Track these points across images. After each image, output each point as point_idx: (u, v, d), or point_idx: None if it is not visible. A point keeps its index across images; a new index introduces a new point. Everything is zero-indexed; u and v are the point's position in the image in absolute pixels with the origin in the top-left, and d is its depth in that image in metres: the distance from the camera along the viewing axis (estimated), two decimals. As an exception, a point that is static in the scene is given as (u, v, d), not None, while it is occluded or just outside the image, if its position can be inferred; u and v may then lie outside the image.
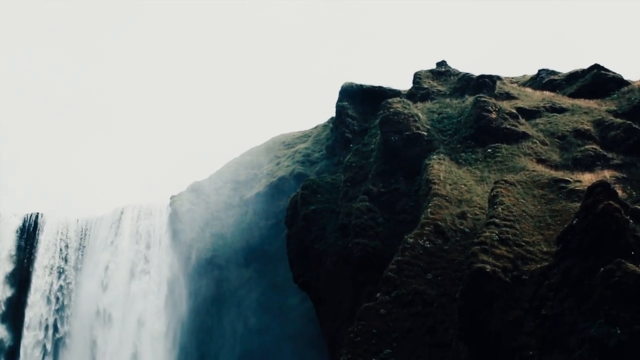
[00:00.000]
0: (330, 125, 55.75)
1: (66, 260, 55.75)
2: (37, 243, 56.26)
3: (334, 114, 54.37)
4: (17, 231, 56.79)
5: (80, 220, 58.08)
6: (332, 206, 41.89)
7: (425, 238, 30.64)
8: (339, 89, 53.03)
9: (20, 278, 55.12)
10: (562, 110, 42.22)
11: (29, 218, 57.66)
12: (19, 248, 56.12)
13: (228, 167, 59.23)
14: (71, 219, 58.09)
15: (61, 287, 54.89)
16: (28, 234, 56.77)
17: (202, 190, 57.25)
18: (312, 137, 59.00)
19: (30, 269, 55.18)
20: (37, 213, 57.98)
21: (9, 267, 55.11)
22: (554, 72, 52.28)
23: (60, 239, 56.41)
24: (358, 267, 35.86)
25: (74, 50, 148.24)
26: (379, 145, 41.59)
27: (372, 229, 36.72)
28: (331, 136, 53.86)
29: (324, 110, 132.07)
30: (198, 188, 57.88)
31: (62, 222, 57.52)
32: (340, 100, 52.59)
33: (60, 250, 56.05)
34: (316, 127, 61.15)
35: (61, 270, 55.46)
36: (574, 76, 49.32)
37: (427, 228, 31.21)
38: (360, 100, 51.72)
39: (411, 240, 30.67)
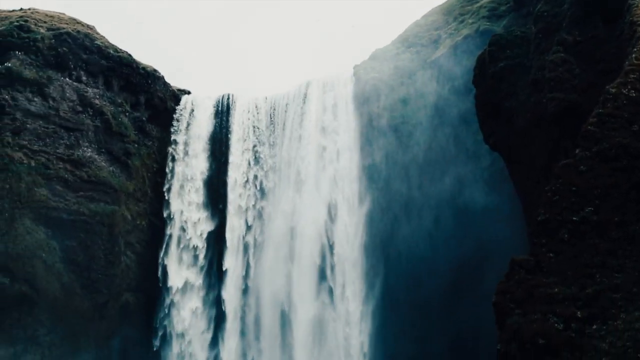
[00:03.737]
0: (518, -27, 51.47)
1: (258, 138, 57.99)
2: (230, 123, 58.85)
3: (520, -39, 50.07)
4: (212, 113, 59.71)
5: (268, 98, 59.49)
6: (522, 61, 39.18)
7: (629, 87, 27.80)
8: None
9: (219, 157, 58.52)
10: None
11: (221, 99, 60.15)
12: (215, 128, 59.16)
13: (409, 30, 57.18)
14: (260, 98, 59.67)
15: (256, 160, 57.51)
16: (222, 115, 59.45)
17: (384, 57, 56.02)
18: (498, -12, 55.05)
19: (227, 148, 58.24)
20: (229, 94, 60.17)
21: (207, 147, 58.56)
22: None
23: (252, 117, 58.52)
24: (553, 123, 33.64)
25: None
26: (573, -12, 37.77)
27: (568, 82, 33.96)
28: (519, -14, 49.87)
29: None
30: (380, 55, 56.69)
31: (251, 101, 59.36)
32: (526, -56, 48.16)
33: (253, 128, 58.29)
34: (502, -22, 56.82)
35: (255, 147, 57.90)
36: None
37: (632, 76, 28.21)
38: (549, -58, 46.98)
39: (613, 90, 27.95)
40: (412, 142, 51.78)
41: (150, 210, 56.85)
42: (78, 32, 56.07)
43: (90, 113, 54.67)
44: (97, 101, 55.18)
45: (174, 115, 59.59)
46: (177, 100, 60.66)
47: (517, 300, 23.05)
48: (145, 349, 53.19)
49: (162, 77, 59.90)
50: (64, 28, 55.62)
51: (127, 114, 57.04)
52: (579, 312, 21.55)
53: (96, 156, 54.12)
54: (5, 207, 49.07)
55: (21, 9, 58.89)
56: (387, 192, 52.29)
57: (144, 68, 58.76)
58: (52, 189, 51.42)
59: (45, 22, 55.97)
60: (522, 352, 21.61)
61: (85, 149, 53.67)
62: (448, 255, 48.13)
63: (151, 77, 58.88)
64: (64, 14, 59.04)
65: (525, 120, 36.75)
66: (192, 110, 59.63)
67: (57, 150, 52.41)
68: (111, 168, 54.61)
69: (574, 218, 24.25)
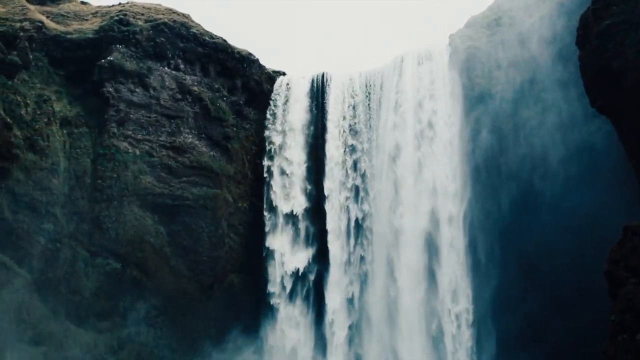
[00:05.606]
0: None
1: (355, 115, 57.31)
2: (326, 101, 58.55)
3: None
4: (307, 92, 59.67)
5: (362, 73, 58.71)
6: (629, 17, 36.63)
7: None
8: None
9: (316, 135, 58.46)
10: None
11: (316, 78, 59.93)
12: (311, 106, 59.11)
13: (504, -5, 55.04)
14: (354, 74, 58.93)
15: (353, 136, 57.00)
16: (317, 93, 59.22)
17: (480, 24, 53.87)
18: (598, -57, 51.82)
19: (324, 127, 57.96)
20: (323, 72, 59.83)
21: (305, 126, 58.64)
22: None
23: (347, 95, 57.88)
24: (665, 80, 31.50)
25: None
26: None
27: (682, 35, 31.60)
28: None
29: None
30: (476, 22, 54.57)
31: (346, 79, 58.69)
32: None
33: (349, 105, 57.68)
34: None
35: (352, 124, 57.33)
36: None
37: None
38: None
39: None
40: (513, 111, 49.78)
41: (251, 192, 57.72)
42: (174, 21, 57.33)
43: (189, 100, 55.97)
44: (195, 88, 56.37)
45: (271, 97, 60.13)
46: (273, 82, 61.05)
47: (632, 268, 21.74)
48: (250, 328, 54.03)
49: (257, 60, 60.45)
50: (160, 19, 57.00)
51: (224, 98, 57.99)
52: (701, 280, 20.10)
53: (197, 142, 55.41)
54: (114, 195, 51.06)
55: (120, 4, 60.88)
56: (488, 163, 50.62)
57: (239, 52, 59.49)
58: (156, 176, 53.13)
59: (142, 14, 57.52)
60: (638, 323, 20.37)
61: (186, 135, 55.04)
62: (553, 225, 46.15)
63: (246, 61, 59.56)
64: (160, 5, 60.52)
65: (634, 79, 34.57)
66: (288, 91, 59.86)
67: (160, 138, 54.05)
68: (211, 152, 55.79)
69: (692, 179, 22.61)
